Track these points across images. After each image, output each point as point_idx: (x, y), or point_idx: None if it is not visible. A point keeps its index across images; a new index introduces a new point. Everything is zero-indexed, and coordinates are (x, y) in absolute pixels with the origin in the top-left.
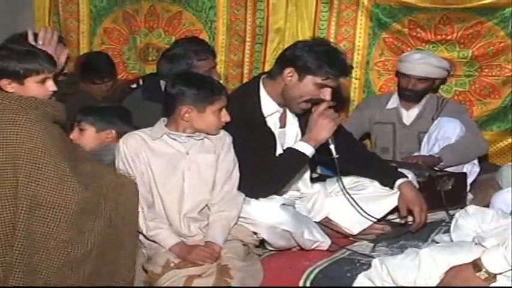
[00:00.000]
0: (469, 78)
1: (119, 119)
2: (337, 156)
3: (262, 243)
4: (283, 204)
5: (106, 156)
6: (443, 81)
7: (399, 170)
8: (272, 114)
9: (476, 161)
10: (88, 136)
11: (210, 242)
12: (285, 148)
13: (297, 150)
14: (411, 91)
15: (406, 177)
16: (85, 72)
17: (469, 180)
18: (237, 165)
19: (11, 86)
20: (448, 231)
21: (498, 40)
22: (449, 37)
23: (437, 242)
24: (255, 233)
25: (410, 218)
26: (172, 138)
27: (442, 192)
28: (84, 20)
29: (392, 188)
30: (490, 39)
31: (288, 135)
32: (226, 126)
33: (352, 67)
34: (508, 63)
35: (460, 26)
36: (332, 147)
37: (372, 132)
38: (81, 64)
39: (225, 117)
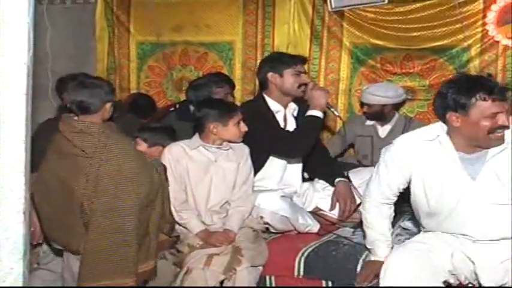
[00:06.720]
0: (427, 101)
1: (167, 137)
2: (339, 114)
3: (267, 229)
4: (283, 196)
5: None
6: (401, 104)
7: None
8: (278, 112)
9: None
10: (141, 150)
11: (228, 229)
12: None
13: (310, 115)
14: (367, 113)
15: (346, 177)
16: (131, 110)
17: None
18: (253, 170)
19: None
20: (411, 219)
21: (448, 72)
22: (411, 70)
23: (404, 228)
24: (262, 217)
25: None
26: (206, 149)
27: None
28: (133, 59)
29: (333, 185)
30: (442, 72)
31: None
32: (251, 127)
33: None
34: None
35: (419, 62)
36: (333, 109)
37: (355, 143)
38: (129, 103)
39: (244, 127)
